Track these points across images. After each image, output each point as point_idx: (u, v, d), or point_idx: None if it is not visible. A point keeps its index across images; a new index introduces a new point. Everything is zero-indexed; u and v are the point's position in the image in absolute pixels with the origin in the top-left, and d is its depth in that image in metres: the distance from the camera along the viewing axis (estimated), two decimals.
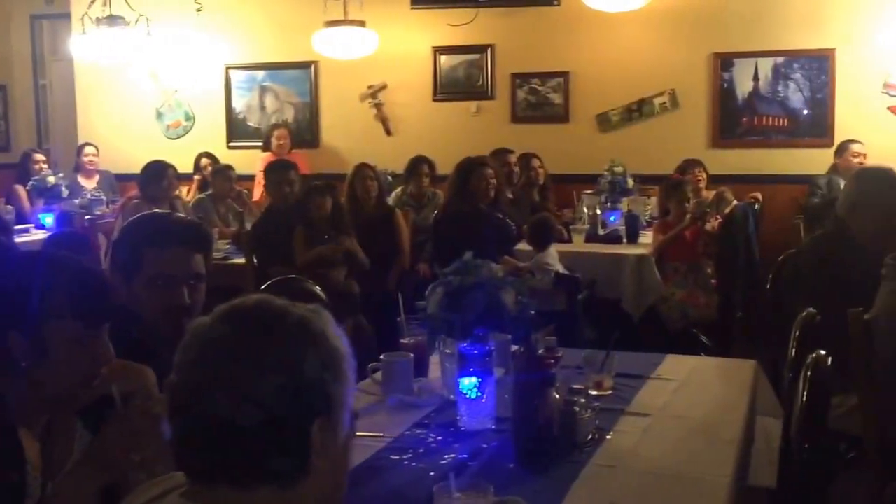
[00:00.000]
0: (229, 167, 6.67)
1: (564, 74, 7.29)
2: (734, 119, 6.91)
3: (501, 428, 2.19)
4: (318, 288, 3.24)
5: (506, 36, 7.41)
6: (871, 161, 5.65)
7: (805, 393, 2.12)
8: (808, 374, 2.16)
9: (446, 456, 2.07)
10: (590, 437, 2.17)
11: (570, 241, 5.47)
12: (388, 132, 7.73)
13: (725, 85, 6.91)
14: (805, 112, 6.75)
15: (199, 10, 7.64)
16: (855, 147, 6.15)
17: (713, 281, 5.29)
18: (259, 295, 1.22)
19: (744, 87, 6.87)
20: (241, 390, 1.11)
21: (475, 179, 4.84)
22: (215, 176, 6.54)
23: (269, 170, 5.53)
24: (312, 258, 4.78)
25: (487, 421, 2.23)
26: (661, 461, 2.09)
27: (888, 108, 6.52)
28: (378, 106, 7.73)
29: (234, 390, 1.11)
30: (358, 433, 2.16)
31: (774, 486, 2.48)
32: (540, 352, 2.36)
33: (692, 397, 2.55)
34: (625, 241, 5.51)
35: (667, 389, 2.60)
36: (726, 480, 1.99)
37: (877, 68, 6.52)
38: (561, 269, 4.71)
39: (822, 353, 2.19)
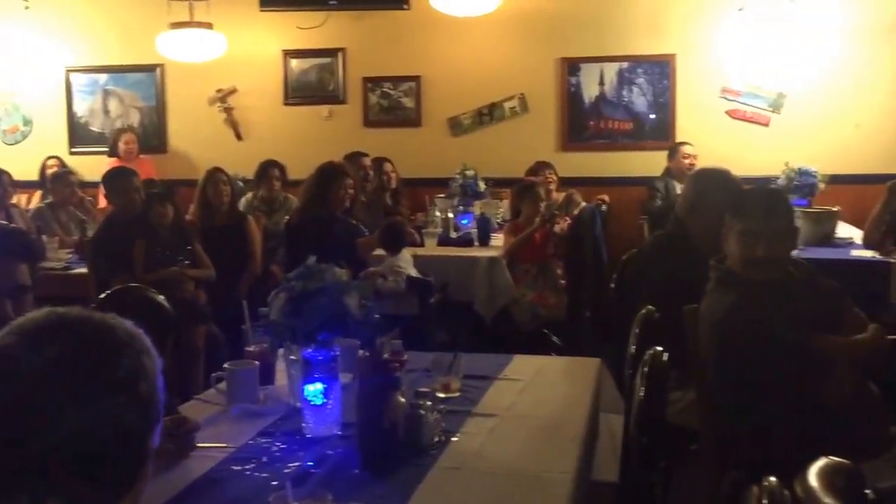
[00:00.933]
0: (70, 172, 6.39)
1: (416, 79, 7.33)
2: (582, 122, 7.12)
3: (347, 434, 2.17)
4: (162, 297, 3.13)
5: (357, 40, 7.39)
6: (704, 163, 5.90)
7: (643, 388, 2.19)
8: (646, 370, 2.23)
9: (290, 464, 2.04)
10: (436, 439, 2.18)
11: (422, 244, 5.50)
12: (239, 137, 7.59)
13: (573, 89, 7.11)
14: (648, 116, 7.02)
15: (26, 7, 7.30)
16: (685, 149, 6.42)
17: (562, 281, 5.42)
18: (64, 309, 1.15)
19: (590, 91, 7.09)
20: (89, 411, 1.05)
21: (335, 188, 4.79)
22: (55, 182, 6.24)
23: (109, 177, 5.29)
24: (152, 281, 4.57)
25: (333, 427, 2.21)
26: (506, 461, 2.12)
27: (726, 111, 6.86)
28: (228, 110, 7.57)
29: (80, 412, 1.05)
30: (199, 444, 2.11)
31: (617, 480, 2.55)
32: (385, 356, 2.35)
33: (538, 397, 2.60)
34: (476, 243, 5.57)
35: (513, 389, 2.64)
36: (569, 477, 2.03)
37: (715, 74, 6.85)
38: (414, 272, 4.72)
39: (659, 349, 2.27)
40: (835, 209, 5.33)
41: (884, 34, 6.55)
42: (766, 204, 2.77)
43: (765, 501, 1.52)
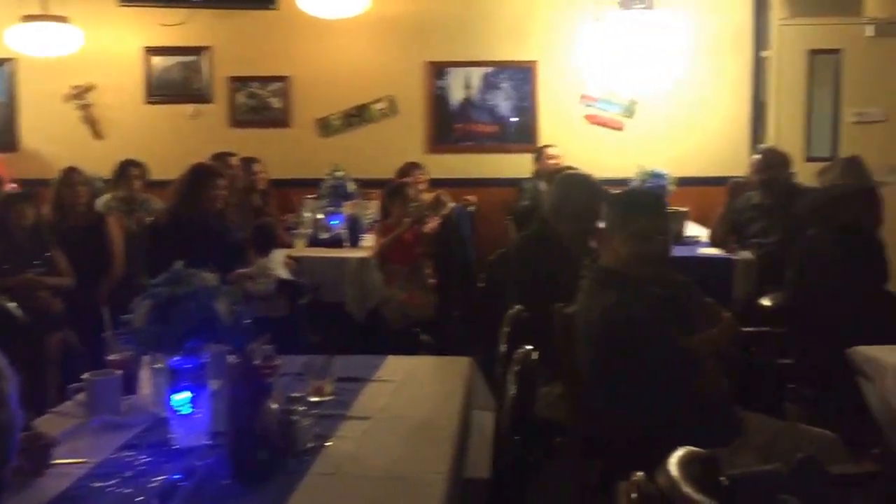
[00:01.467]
0: None
1: (284, 79, 7.19)
2: (449, 125, 7.14)
3: (217, 443, 2.08)
4: (14, 305, 2.94)
5: (223, 38, 7.19)
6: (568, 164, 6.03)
7: (514, 387, 2.19)
8: (517, 368, 2.24)
9: (156, 478, 1.93)
10: (310, 445, 2.11)
11: (292, 245, 5.39)
12: (97, 135, 7.24)
13: (440, 92, 7.13)
14: (512, 119, 7.11)
15: None
16: (550, 151, 6.56)
17: (432, 281, 5.42)
18: None
19: (457, 94, 7.12)
20: None
21: (208, 189, 4.59)
22: None
23: None
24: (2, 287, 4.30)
25: (202, 437, 2.11)
26: (381, 464, 2.08)
27: (584, 116, 7.02)
28: (85, 107, 7.21)
29: None
30: (56, 461, 1.97)
31: (489, 476, 2.56)
32: (257, 361, 2.27)
33: (411, 397, 2.57)
34: (347, 244, 5.50)
35: (387, 391, 2.60)
36: (443, 477, 2.01)
37: (574, 80, 7.00)
38: (284, 274, 4.61)
39: (530, 347, 2.28)
40: (683, 209, 5.53)
41: (727, 49, 6.85)
42: (657, 204, 2.84)
43: (633, 495, 1.53)
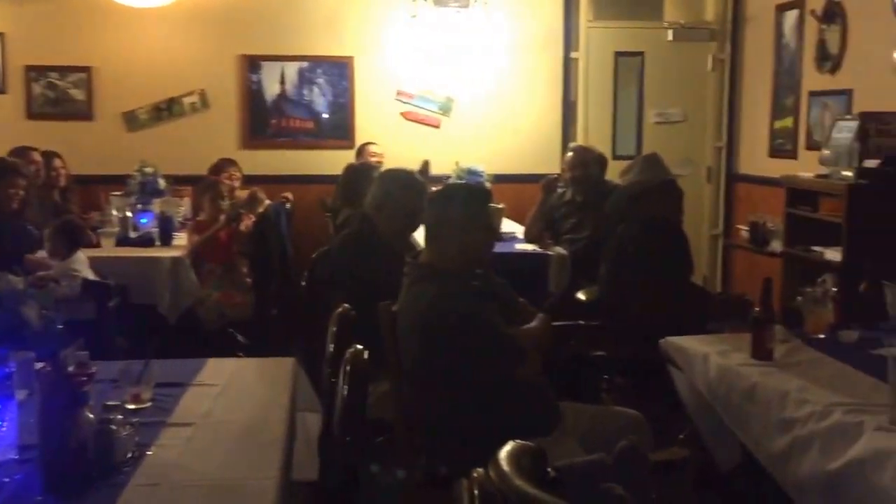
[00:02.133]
0: None
1: (87, 69, 6.81)
2: (264, 120, 7.00)
3: (27, 457, 1.95)
4: None
5: (18, 24, 6.72)
6: (389, 163, 6.06)
7: (345, 387, 2.18)
8: (348, 367, 2.22)
9: None
10: (129, 455, 2.01)
11: (98, 245, 5.11)
12: None
13: (254, 87, 6.97)
14: (328, 115, 7.06)
15: None
16: (371, 148, 6.57)
17: (248, 280, 5.31)
18: None
19: (272, 89, 6.99)
20: None
21: (4, 188, 4.28)
22: None
23: None
24: None
25: (9, 451, 1.97)
26: (207, 471, 2.01)
27: (401, 113, 7.07)
28: None
29: None
30: None
31: (316, 478, 2.53)
32: (70, 368, 2.14)
33: (235, 401, 2.51)
34: (158, 243, 5.28)
35: (209, 395, 2.53)
36: (273, 482, 1.97)
37: (391, 77, 7.03)
38: (91, 275, 4.37)
39: (360, 347, 2.27)
40: (500, 206, 5.67)
41: (539, 49, 7.09)
42: (484, 197, 2.89)
43: (475, 491, 1.56)
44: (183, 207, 6.02)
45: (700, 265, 6.87)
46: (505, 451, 1.72)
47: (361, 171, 4.99)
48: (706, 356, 2.88)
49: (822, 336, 3.03)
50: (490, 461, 1.68)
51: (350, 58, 7.00)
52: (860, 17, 5.21)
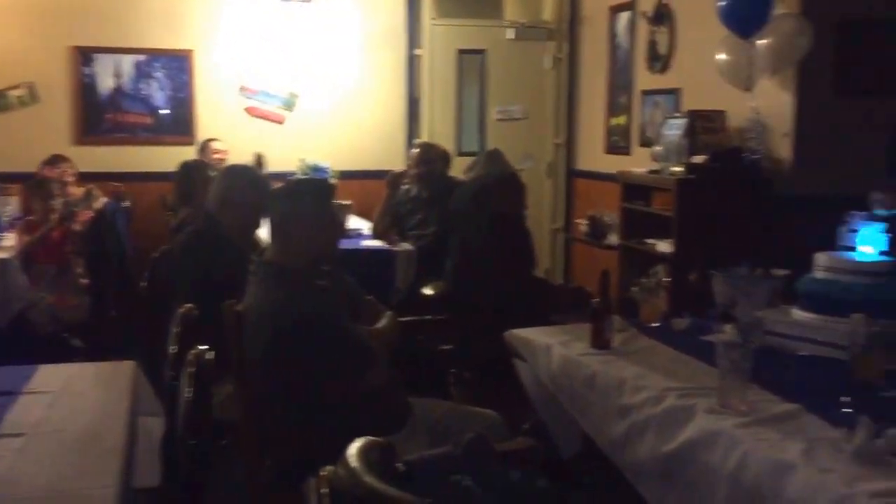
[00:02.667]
0: None
1: None
2: (98, 115, 6.69)
3: None
4: None
5: None
6: (233, 159, 5.92)
7: (189, 389, 2.11)
8: (192, 369, 2.15)
9: None
10: None
11: None
12: None
13: (87, 80, 6.64)
14: (168, 110, 6.82)
15: None
16: (215, 145, 6.40)
17: (84, 281, 5.07)
18: None
19: (107, 83, 6.68)
20: None
21: None
22: None
23: None
24: None
25: None
26: (42, 482, 1.91)
27: (245, 108, 6.92)
28: None
29: None
30: None
31: (158, 484, 2.45)
32: None
33: (70, 408, 2.39)
34: None
35: (42, 403, 2.40)
36: (111, 491, 1.89)
37: (233, 71, 6.87)
38: None
39: (204, 348, 2.21)
40: (346, 203, 5.65)
41: (383, 45, 7.10)
42: (327, 193, 2.85)
43: (324, 490, 1.54)
44: (10, 206, 5.68)
45: (542, 258, 7.07)
46: (354, 449, 1.71)
47: (196, 169, 4.85)
48: (549, 347, 2.95)
49: (656, 324, 3.16)
50: (339, 459, 1.67)
51: (190, 51, 6.79)
52: (687, 19, 5.48)
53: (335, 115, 7.05)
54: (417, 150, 5.69)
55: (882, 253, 2.78)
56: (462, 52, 7.23)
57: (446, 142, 6.56)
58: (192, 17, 6.77)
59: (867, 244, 2.80)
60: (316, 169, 6.21)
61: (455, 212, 4.38)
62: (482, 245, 4.08)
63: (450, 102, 7.22)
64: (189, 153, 6.38)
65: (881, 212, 2.86)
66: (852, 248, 2.83)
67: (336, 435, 1.87)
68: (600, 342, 2.88)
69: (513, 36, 7.13)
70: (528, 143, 7.18)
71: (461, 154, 6.87)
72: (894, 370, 2.42)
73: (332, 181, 5.91)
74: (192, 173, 4.70)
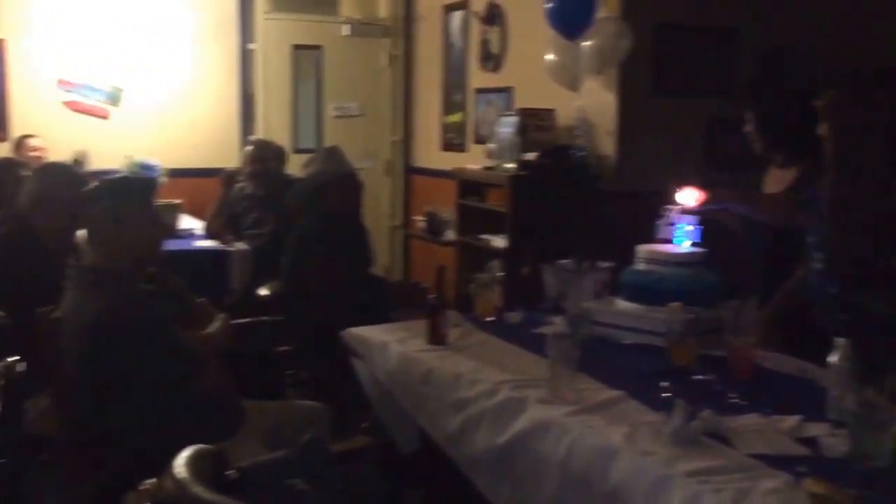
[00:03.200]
0: None
1: None
2: None
3: None
4: None
5: None
6: (53, 157, 5.61)
7: None
8: (1, 382, 2.03)
9: None
10: None
11: None
12: None
13: None
14: None
15: None
16: (31, 141, 6.03)
17: None
18: None
19: None
20: None
21: None
22: None
23: None
24: None
25: None
26: None
27: (64, 103, 6.58)
28: None
29: None
30: None
31: None
32: None
33: None
34: None
35: None
36: None
37: (51, 63, 6.51)
38: None
39: (15, 358, 2.08)
40: (177, 202, 5.47)
41: (215, 39, 6.91)
42: (147, 190, 2.74)
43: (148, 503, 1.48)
44: None
45: (381, 255, 7.07)
46: (182, 458, 1.66)
47: (5, 168, 4.56)
48: (386, 345, 2.96)
49: (491, 318, 3.22)
50: (165, 470, 1.61)
51: (3, 41, 6.38)
52: (518, 19, 5.61)
53: (165, 111, 6.81)
54: (252, 147, 5.59)
55: (694, 245, 2.94)
56: (297, 47, 7.12)
57: (282, 139, 6.47)
58: (4, 3, 6.37)
59: (681, 237, 2.95)
60: (144, 167, 5.98)
61: (291, 209, 4.31)
62: (318, 243, 4.04)
63: (285, 99, 7.11)
64: (3, 150, 6.01)
65: (694, 206, 3.02)
66: (669, 241, 2.98)
67: (163, 445, 1.80)
68: (437, 338, 2.91)
69: (348, 32, 7.10)
70: (365, 140, 7.17)
71: (298, 151, 6.77)
72: (707, 355, 2.56)
73: (162, 179, 5.72)
74: (1, 172, 4.39)
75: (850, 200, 2.55)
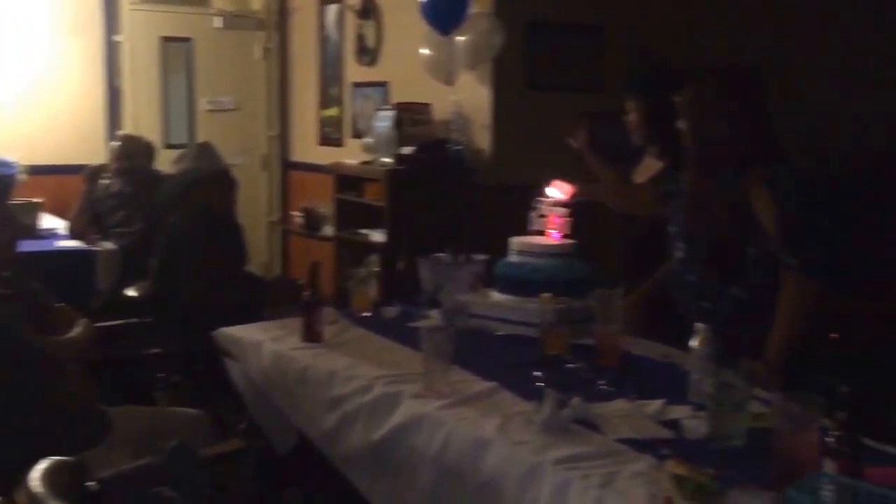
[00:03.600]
0: None
1: None
2: None
3: None
4: None
5: None
6: None
7: None
8: None
9: None
10: None
11: None
12: None
13: None
14: None
15: None
16: None
17: None
18: None
19: None
20: None
21: None
22: None
23: None
24: None
25: None
26: None
27: None
28: None
29: None
30: None
31: None
32: None
33: None
34: None
35: None
36: None
37: None
38: None
39: None
40: (38, 200, 5.24)
41: (78, 30, 6.62)
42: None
43: None
44: None
45: (260, 252, 6.98)
46: (38, 472, 1.61)
47: None
48: (260, 344, 2.91)
49: (367, 314, 3.21)
50: (20, 484, 1.55)
51: None
52: (393, 14, 5.61)
53: (23, 105, 6.47)
54: (119, 142, 5.40)
55: (564, 236, 3.01)
56: (166, 39, 6.92)
57: (152, 134, 6.26)
58: None
59: (552, 228, 3.02)
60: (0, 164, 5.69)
61: (162, 207, 4.19)
62: (190, 241, 3.94)
63: (155, 92, 6.89)
64: None
65: (564, 198, 3.09)
66: (542, 232, 3.04)
67: (19, 458, 1.73)
68: (312, 335, 2.89)
69: (220, 25, 6.94)
70: (241, 135, 7.03)
71: (169, 147, 6.58)
72: (579, 344, 2.62)
73: (21, 177, 5.46)
74: None
75: (706, 192, 2.65)
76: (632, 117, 3.41)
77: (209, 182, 4.14)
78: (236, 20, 7.01)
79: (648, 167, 3.42)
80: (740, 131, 2.60)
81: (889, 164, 4.67)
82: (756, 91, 2.67)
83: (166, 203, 4.23)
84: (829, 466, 1.61)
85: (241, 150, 4.60)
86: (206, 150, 4.39)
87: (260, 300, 4.00)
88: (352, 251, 5.13)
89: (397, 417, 2.31)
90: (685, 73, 2.78)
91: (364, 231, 5.07)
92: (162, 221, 4.17)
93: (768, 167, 2.57)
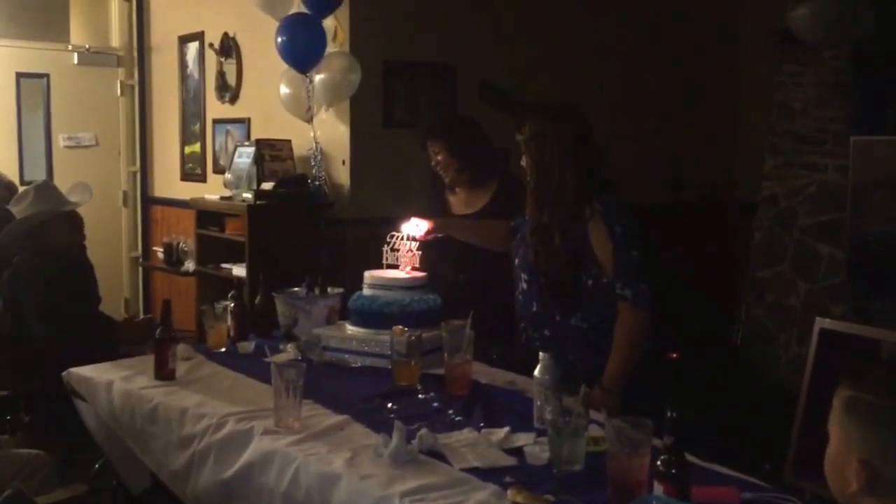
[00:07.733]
0: None
1: None
2: None
3: None
4: None
5: None
6: None
7: None
8: None
9: None
10: None
11: None
12: None
13: None
14: None
15: None
16: None
17: None
18: None
19: None
20: None
21: None
22: None
23: None
24: None
25: None
26: None
27: None
28: None
29: None
30: None
31: None
32: None
33: None
34: None
35: None
36: None
37: None
38: None
39: None
40: None
41: None
42: None
43: None
44: None
45: (122, 288, 6.68)
46: None
47: None
48: (110, 383, 2.76)
49: (222, 349, 3.09)
50: None
51: None
52: (253, 53, 5.49)
53: None
54: None
55: (414, 269, 2.98)
56: (22, 75, 6.56)
57: (8, 170, 5.90)
58: None
59: (403, 262, 2.98)
60: None
61: (5, 248, 3.91)
62: (36, 282, 3.71)
63: (10, 129, 6.50)
64: None
65: (419, 234, 3.07)
66: (395, 266, 3.00)
67: None
68: (164, 373, 2.76)
69: (77, 61, 6.63)
70: (101, 171, 6.70)
71: (26, 184, 6.21)
72: (429, 374, 2.59)
73: None
74: None
75: (547, 225, 2.67)
76: (439, 158, 3.47)
77: (54, 223, 3.89)
78: (94, 56, 6.71)
79: (467, 199, 3.51)
80: (576, 166, 2.64)
81: None
82: (586, 126, 2.72)
83: (11, 244, 3.94)
84: (658, 489, 1.62)
85: (82, 187, 4.30)
86: (46, 189, 4.07)
87: (113, 340, 3.78)
88: (214, 286, 4.95)
89: (248, 455, 2.21)
90: (523, 110, 2.81)
91: (226, 266, 4.91)
92: (6, 262, 3.88)
93: (600, 200, 2.61)
